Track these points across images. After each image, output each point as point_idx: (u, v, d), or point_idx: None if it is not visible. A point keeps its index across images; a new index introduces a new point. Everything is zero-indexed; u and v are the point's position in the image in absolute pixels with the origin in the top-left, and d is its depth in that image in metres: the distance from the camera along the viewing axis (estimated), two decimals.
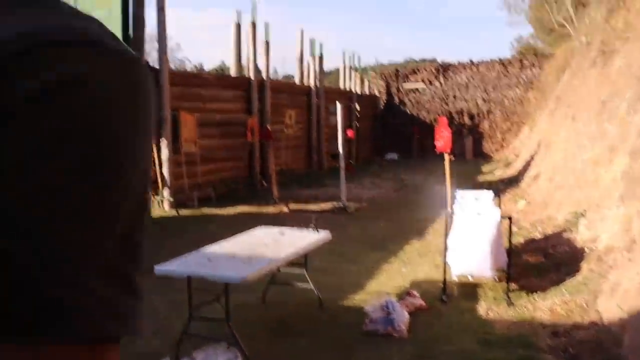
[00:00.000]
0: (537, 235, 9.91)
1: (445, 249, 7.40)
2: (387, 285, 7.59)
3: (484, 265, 6.93)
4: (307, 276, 6.68)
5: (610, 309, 5.93)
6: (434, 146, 14.31)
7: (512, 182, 15.87)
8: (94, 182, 0.50)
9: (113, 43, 0.55)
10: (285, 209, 13.09)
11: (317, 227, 6.83)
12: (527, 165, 16.17)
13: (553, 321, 6.22)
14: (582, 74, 14.91)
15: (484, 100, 26.89)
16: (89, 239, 0.50)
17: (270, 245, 6.18)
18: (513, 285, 7.36)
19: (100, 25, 0.57)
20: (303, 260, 6.73)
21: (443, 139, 12.35)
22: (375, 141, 26.82)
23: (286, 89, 19.32)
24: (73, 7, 0.58)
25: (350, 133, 17.11)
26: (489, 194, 8.54)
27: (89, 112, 0.51)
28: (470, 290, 7.34)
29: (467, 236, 7.03)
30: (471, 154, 25.21)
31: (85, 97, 0.51)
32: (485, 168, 21.23)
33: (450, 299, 7.01)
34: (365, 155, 24.93)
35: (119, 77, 0.54)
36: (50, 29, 0.52)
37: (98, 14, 11.98)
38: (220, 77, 17.77)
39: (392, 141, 26.79)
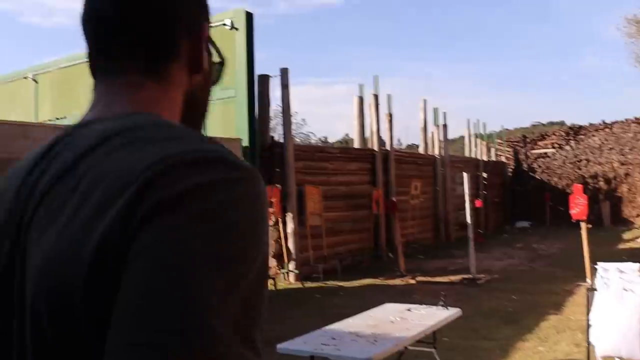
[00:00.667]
0: None
1: (588, 326, 6.78)
2: None
3: (635, 345, 6.23)
4: (436, 356, 6.30)
5: None
6: (568, 213, 13.57)
7: None
8: (227, 259, 0.64)
9: (236, 159, 0.71)
10: (412, 282, 12.72)
11: (446, 304, 6.48)
12: None
13: None
14: None
15: (620, 162, 25.34)
16: (222, 302, 0.62)
17: (397, 322, 5.90)
18: None
19: (225, 149, 0.73)
20: (432, 338, 6.37)
21: (578, 206, 11.69)
22: (505, 209, 25.88)
23: (411, 159, 19.13)
24: (205, 137, 0.76)
25: (478, 203, 16.59)
26: (634, 266, 7.84)
27: (222, 209, 0.65)
28: None
29: (612, 313, 6.39)
30: (609, 221, 23.63)
31: (217, 198, 0.66)
32: (626, 235, 19.82)
33: None
34: (494, 224, 24.04)
35: (244, 184, 0.69)
36: (186, 152, 0.69)
37: (226, 94, 12.51)
38: (344, 149, 17.87)
39: (522, 209, 25.71)
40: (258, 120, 12.93)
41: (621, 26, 25.87)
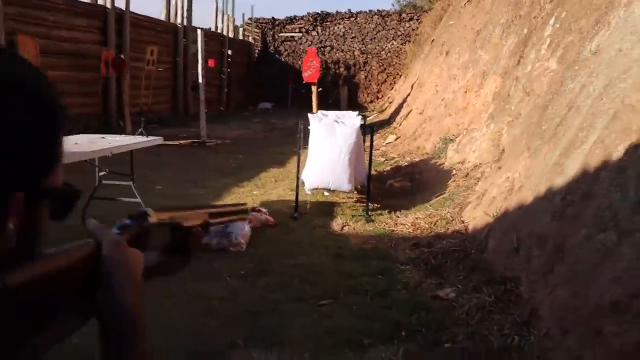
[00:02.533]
0: (405, 163, 9.34)
1: (299, 164, 6.58)
2: None
3: (342, 177, 6.13)
4: (133, 188, 5.61)
5: (475, 217, 5.31)
6: (310, 96, 13.51)
7: (384, 124, 15.38)
8: None
9: None
10: None
11: (145, 132, 5.77)
12: (399, 108, 15.71)
13: (415, 234, 5.54)
14: (457, 14, 14.51)
15: (361, 51, 26.28)
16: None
17: (81, 145, 5.06)
18: (375, 206, 6.68)
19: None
20: (130, 174, 5.67)
21: (311, 69, 11.56)
22: (249, 90, 25.67)
23: (149, 25, 17.71)
24: None
25: (211, 62, 15.88)
26: (353, 113, 7.79)
27: None
28: (327, 208, 6.58)
29: (323, 146, 6.20)
30: (346, 105, 24.53)
31: None
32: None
33: (302, 217, 6.20)
34: (237, 104, 23.76)
35: None
36: None
37: None
38: (70, 1, 15.90)
39: (266, 91, 25.69)
40: None
41: None
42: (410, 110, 13.24)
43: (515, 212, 4.55)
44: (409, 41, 24.93)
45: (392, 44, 26.17)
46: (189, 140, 12.35)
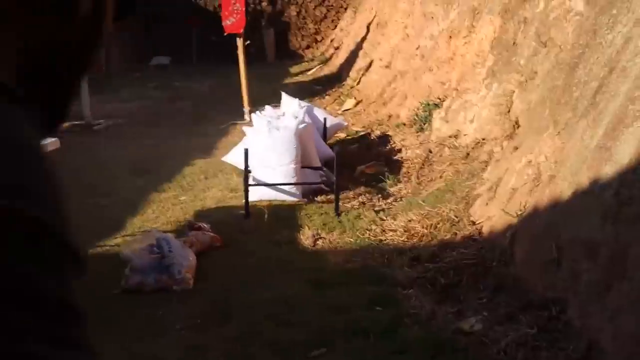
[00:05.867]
0: (375, 140, 9.61)
1: (247, 159, 6.82)
2: (158, 220, 6.86)
3: (289, 190, 6.64)
4: None
5: (490, 216, 5.61)
6: (221, 43, 13.53)
7: (333, 81, 15.60)
8: None
9: None
10: None
11: None
12: (351, 58, 15.93)
13: (412, 244, 5.82)
14: None
15: None
16: None
17: None
18: (347, 205, 6.97)
19: None
20: None
21: (234, 14, 11.61)
22: (135, 40, 25.47)
23: None
24: None
25: None
26: (294, 101, 8.28)
27: None
28: (287, 214, 6.82)
29: (263, 149, 6.61)
30: (273, 54, 24.65)
31: None
32: (294, 69, 20.92)
33: (259, 229, 6.43)
34: (120, 60, 23.60)
35: None
36: None
37: None
38: None
39: (160, 40, 25.45)
40: None
41: None
42: (371, 62, 13.48)
43: (549, 210, 4.85)
44: None
45: None
46: (66, 124, 12.35)
